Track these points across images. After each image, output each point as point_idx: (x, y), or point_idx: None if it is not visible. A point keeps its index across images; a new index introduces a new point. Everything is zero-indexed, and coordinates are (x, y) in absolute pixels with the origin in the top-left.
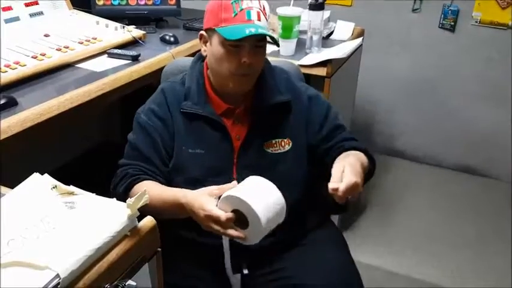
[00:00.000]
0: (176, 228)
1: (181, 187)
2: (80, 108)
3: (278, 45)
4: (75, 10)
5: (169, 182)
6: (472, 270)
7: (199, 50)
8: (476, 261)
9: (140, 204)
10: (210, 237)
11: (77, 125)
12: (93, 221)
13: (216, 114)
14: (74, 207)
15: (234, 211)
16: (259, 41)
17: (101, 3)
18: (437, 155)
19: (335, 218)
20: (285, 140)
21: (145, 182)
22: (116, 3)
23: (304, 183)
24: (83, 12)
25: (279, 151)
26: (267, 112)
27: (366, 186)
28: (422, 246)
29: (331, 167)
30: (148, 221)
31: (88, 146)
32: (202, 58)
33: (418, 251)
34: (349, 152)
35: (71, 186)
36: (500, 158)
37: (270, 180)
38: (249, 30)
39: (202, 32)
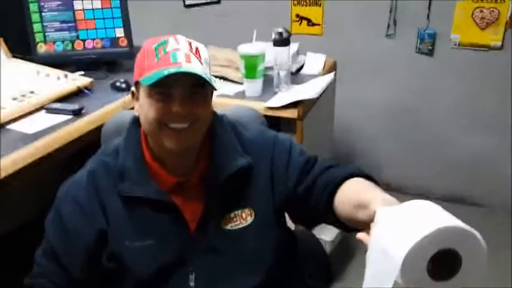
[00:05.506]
0: None
1: None
2: (7, 180)
3: (215, 89)
4: (14, 58)
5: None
6: None
7: None
8: None
9: None
10: None
11: (8, 197)
12: None
13: (162, 193)
14: None
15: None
16: (195, 86)
17: (42, 50)
18: (423, 185)
19: None
20: (246, 211)
21: None
22: (60, 49)
23: (274, 259)
24: (22, 60)
25: (240, 226)
26: (225, 182)
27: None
28: None
29: (328, 203)
30: None
31: (23, 220)
32: (138, 123)
33: None
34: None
35: None
36: (485, 183)
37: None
38: (168, 71)
39: (132, 88)
